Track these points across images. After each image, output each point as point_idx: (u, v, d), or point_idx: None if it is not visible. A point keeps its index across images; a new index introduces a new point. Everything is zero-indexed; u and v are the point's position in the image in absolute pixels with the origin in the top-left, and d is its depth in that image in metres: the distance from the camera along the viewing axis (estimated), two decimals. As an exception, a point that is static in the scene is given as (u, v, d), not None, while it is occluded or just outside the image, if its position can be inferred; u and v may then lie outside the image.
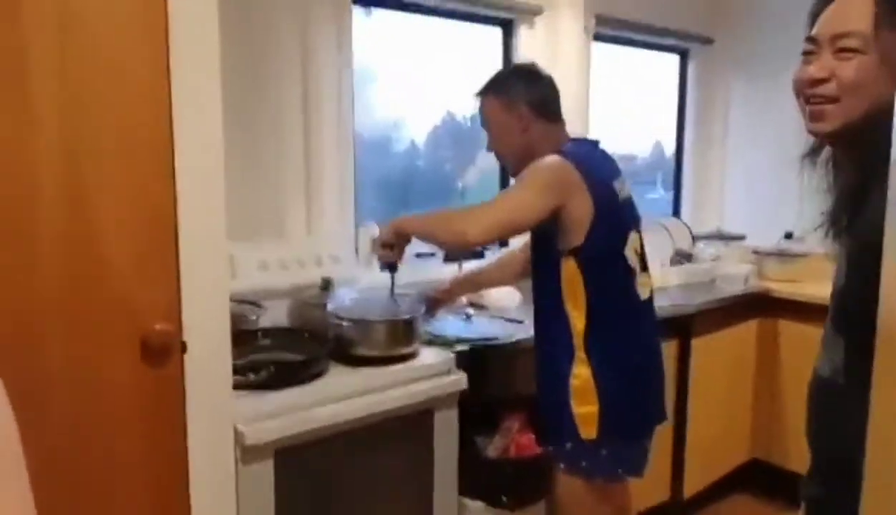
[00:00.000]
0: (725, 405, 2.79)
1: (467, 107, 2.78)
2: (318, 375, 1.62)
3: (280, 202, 2.17)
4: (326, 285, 2.02)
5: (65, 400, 1.23)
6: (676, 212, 3.54)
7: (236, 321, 1.78)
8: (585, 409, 1.59)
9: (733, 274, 2.86)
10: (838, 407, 1.00)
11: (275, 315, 1.98)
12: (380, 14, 2.48)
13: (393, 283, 1.79)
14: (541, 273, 1.66)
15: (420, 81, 2.63)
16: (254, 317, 1.84)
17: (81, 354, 1.24)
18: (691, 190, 3.55)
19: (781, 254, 3.03)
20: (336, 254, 2.17)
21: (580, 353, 1.59)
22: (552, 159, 1.57)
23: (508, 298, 2.34)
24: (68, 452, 1.24)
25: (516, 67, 1.77)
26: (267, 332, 1.80)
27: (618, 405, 1.60)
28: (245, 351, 1.71)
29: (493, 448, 2.00)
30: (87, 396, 1.26)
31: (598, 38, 2.94)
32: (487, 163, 2.85)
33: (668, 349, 2.43)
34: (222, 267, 1.40)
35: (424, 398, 1.73)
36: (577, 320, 1.59)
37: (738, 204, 3.44)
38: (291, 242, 2.13)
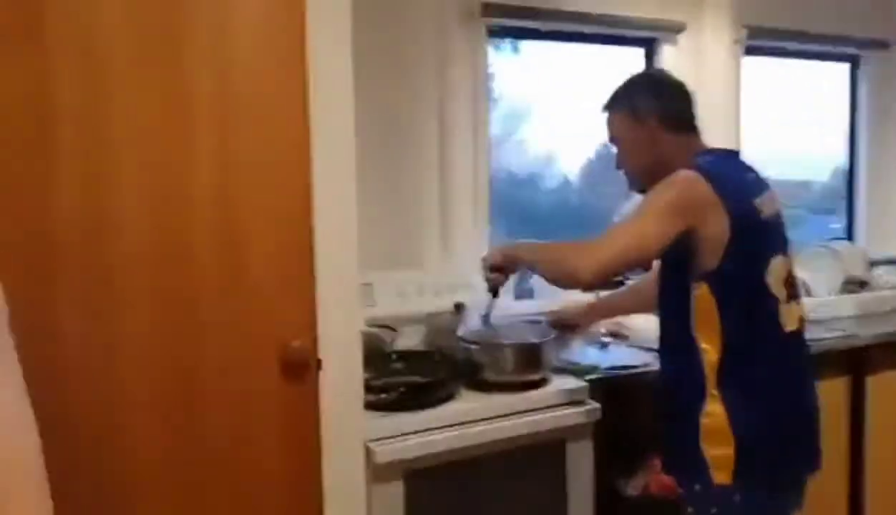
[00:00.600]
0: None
1: None
2: (447, 398, 1.64)
3: (417, 234, 2.25)
4: (458, 309, 2.05)
5: (215, 408, 1.35)
6: (850, 235, 3.19)
7: (372, 343, 1.85)
8: (719, 451, 1.44)
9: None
10: None
11: (411, 339, 2.04)
12: (528, 49, 2.52)
13: (491, 307, 1.76)
14: (669, 300, 1.54)
15: (572, 114, 2.59)
16: (388, 340, 1.91)
17: (229, 366, 1.36)
18: (867, 210, 3.18)
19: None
20: (469, 281, 2.19)
21: (712, 390, 1.44)
22: (681, 175, 1.44)
23: (649, 326, 2.22)
24: (217, 455, 1.35)
25: (644, 76, 1.66)
26: (400, 355, 1.85)
27: (757, 448, 1.44)
28: (379, 373, 1.77)
29: (632, 486, 1.89)
30: (234, 405, 1.37)
31: (752, 51, 2.76)
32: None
33: (838, 387, 2.17)
34: (354, 292, 1.47)
35: (555, 426, 1.67)
36: (710, 353, 1.44)
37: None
38: (427, 271, 2.19)
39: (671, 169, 1.48)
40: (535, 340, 1.74)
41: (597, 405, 1.72)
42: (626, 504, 1.84)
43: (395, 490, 1.52)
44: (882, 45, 3.09)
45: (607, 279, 1.44)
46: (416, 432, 1.54)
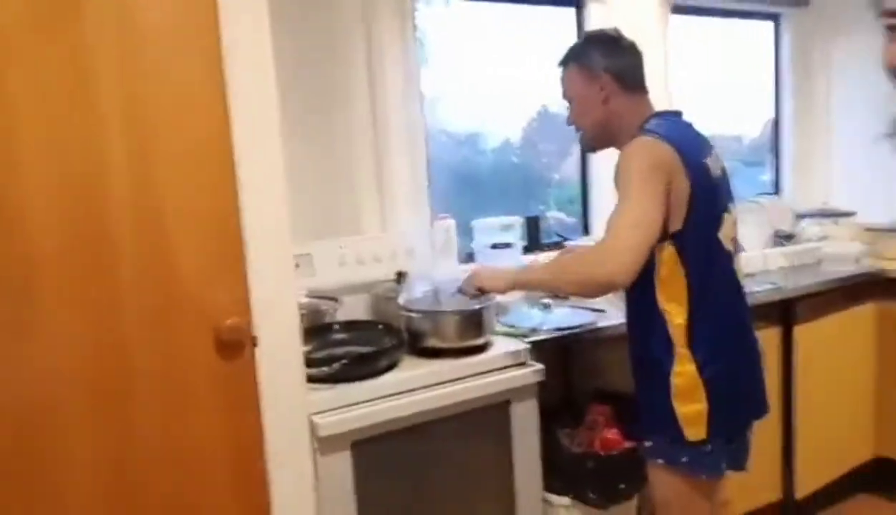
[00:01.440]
0: (842, 397, 2.55)
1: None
2: (390, 367, 1.62)
3: (355, 200, 2.20)
4: (400, 278, 2.02)
5: (148, 393, 1.29)
6: (777, 188, 3.30)
7: (312, 315, 1.81)
8: (692, 408, 1.47)
9: (842, 253, 2.61)
10: None
11: (353, 309, 2.01)
12: (460, 7, 2.46)
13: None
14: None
15: (509, 74, 2.57)
16: (330, 311, 1.87)
17: (160, 350, 1.29)
18: (792, 165, 3.29)
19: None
20: (411, 247, 2.17)
21: (681, 349, 1.47)
22: (644, 144, 1.44)
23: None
24: (153, 442, 1.30)
25: (596, 34, 1.65)
26: (342, 325, 1.82)
27: (726, 400, 1.48)
28: (320, 344, 1.74)
29: (577, 443, 1.93)
30: (169, 388, 1.31)
31: (678, 10, 2.78)
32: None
33: (769, 337, 2.26)
34: (288, 265, 1.42)
35: (499, 390, 1.68)
36: (676, 313, 1.46)
37: (847, 178, 3.15)
38: (367, 238, 2.15)
39: (622, 128, 1.53)
40: (477, 306, 1.73)
41: (540, 366, 1.74)
42: (571, 461, 1.88)
43: (342, 462, 1.50)
44: (802, 2, 3.17)
45: (638, 269, 1.37)
46: (360, 403, 1.52)
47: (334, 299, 1.94)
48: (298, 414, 1.45)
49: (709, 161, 1.50)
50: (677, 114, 1.60)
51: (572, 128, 1.67)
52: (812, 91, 3.28)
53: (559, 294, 1.80)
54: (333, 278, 2.02)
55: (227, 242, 1.35)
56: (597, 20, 2.61)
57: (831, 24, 3.17)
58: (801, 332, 2.35)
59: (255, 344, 1.37)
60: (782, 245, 2.69)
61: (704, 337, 1.47)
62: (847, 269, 2.56)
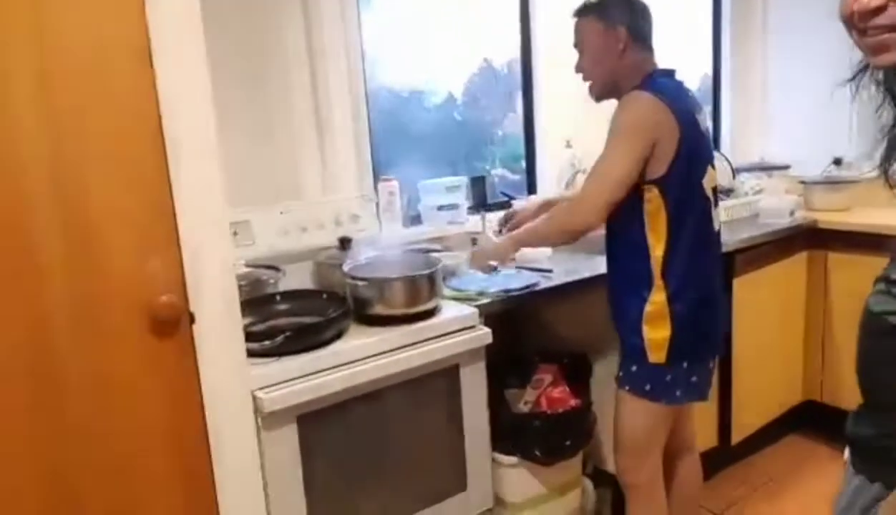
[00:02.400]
0: (776, 346, 2.66)
1: (502, 53, 2.70)
2: (336, 337, 1.58)
3: (295, 164, 2.12)
4: (344, 244, 1.97)
5: (79, 379, 1.22)
6: (716, 145, 3.36)
7: (253, 286, 1.75)
8: (657, 334, 1.64)
9: (777, 206, 2.69)
10: None
11: (298, 278, 1.95)
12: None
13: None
14: (621, 205, 1.64)
15: (452, 32, 2.52)
16: (271, 282, 1.81)
17: (91, 333, 1.22)
18: (730, 120, 3.35)
19: (829, 183, 2.85)
20: (355, 212, 2.11)
21: (658, 280, 1.63)
22: (642, 100, 1.58)
23: (538, 249, 2.25)
24: (88, 430, 1.23)
25: None
26: (285, 296, 1.76)
27: (688, 330, 1.65)
28: (262, 316, 1.69)
29: (524, 402, 1.96)
30: (102, 372, 1.24)
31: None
32: None
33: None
34: (224, 235, 1.35)
35: (448, 354, 1.67)
36: (657, 248, 1.63)
37: (783, 132, 3.23)
38: (309, 203, 2.08)
39: (627, 80, 1.66)
40: (424, 271, 1.70)
41: (487, 329, 1.73)
42: (517, 421, 1.90)
43: (289, 437, 1.47)
44: (744, -45, 3.18)
45: (609, 213, 1.62)
46: (305, 375, 1.48)
47: (276, 268, 1.88)
48: (241, 390, 1.40)
49: (699, 117, 1.67)
50: (672, 72, 1.72)
51: (580, 75, 1.77)
52: (749, 46, 3.31)
53: (546, 246, 2.06)
54: (274, 246, 1.95)
55: (157, 214, 1.27)
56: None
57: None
58: (738, 284, 2.42)
59: (192, 321, 1.31)
60: (722, 199, 2.74)
61: (676, 271, 1.63)
62: (782, 222, 2.64)
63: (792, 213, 2.67)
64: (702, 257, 1.69)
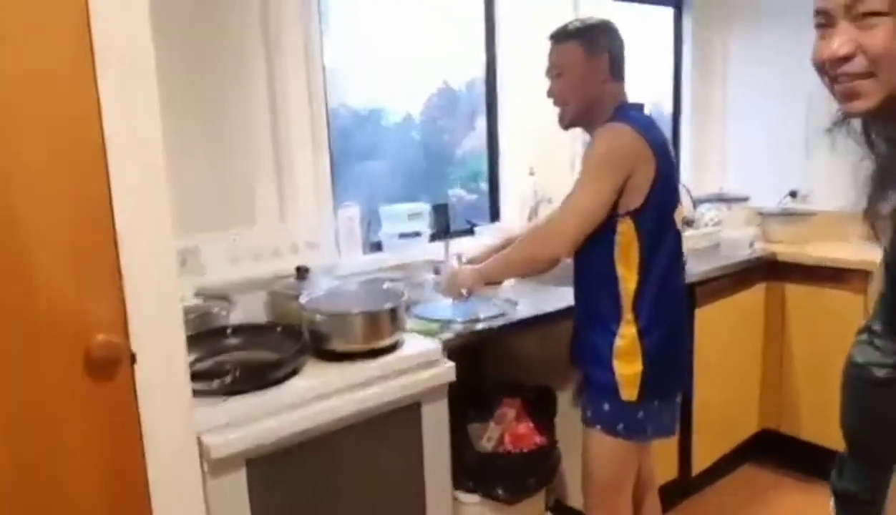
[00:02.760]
0: (733, 376, 2.66)
1: (461, 74, 2.66)
2: (290, 375, 1.49)
3: (250, 186, 2.02)
4: (302, 274, 1.88)
5: (4, 430, 1.10)
6: (675, 175, 3.38)
7: (202, 319, 1.65)
8: (629, 369, 1.60)
9: (737, 238, 2.71)
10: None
11: (249, 309, 1.85)
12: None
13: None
14: (593, 236, 1.62)
15: (411, 52, 2.47)
16: (222, 314, 1.70)
17: (16, 374, 1.10)
18: (690, 151, 3.38)
19: (787, 214, 2.89)
20: (313, 240, 2.03)
21: (628, 314, 1.61)
22: (620, 132, 1.57)
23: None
24: (12, 484, 1.11)
25: (597, 20, 1.73)
26: (236, 330, 1.66)
27: (659, 365, 1.62)
28: (210, 352, 1.58)
29: (486, 438, 1.89)
30: (28, 419, 1.12)
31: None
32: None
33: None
34: (170, 267, 1.25)
35: (410, 392, 1.60)
36: (629, 281, 1.60)
37: (741, 164, 3.27)
38: (264, 229, 1.98)
39: (601, 110, 1.64)
40: (386, 305, 1.63)
41: (451, 364, 1.67)
42: (482, 460, 1.83)
43: (237, 484, 1.37)
44: (704, -10, 3.23)
45: (577, 246, 1.62)
46: (257, 416, 1.38)
47: (226, 299, 1.77)
48: (185, 435, 1.30)
49: (671, 152, 1.66)
50: (641, 106, 1.71)
51: (552, 100, 1.73)
52: (709, 78, 3.37)
53: (512, 277, 1.96)
54: (225, 275, 1.85)
55: (96, 242, 1.17)
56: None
57: (730, 12, 3.25)
58: (699, 315, 2.41)
59: (133, 361, 1.21)
60: (683, 231, 2.75)
61: (648, 305, 1.61)
62: (741, 253, 2.66)
63: (751, 245, 2.69)
64: (672, 290, 1.67)
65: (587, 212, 1.57)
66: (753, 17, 3.18)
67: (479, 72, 2.67)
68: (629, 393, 1.61)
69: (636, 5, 3.10)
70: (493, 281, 1.82)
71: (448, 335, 1.74)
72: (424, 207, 2.40)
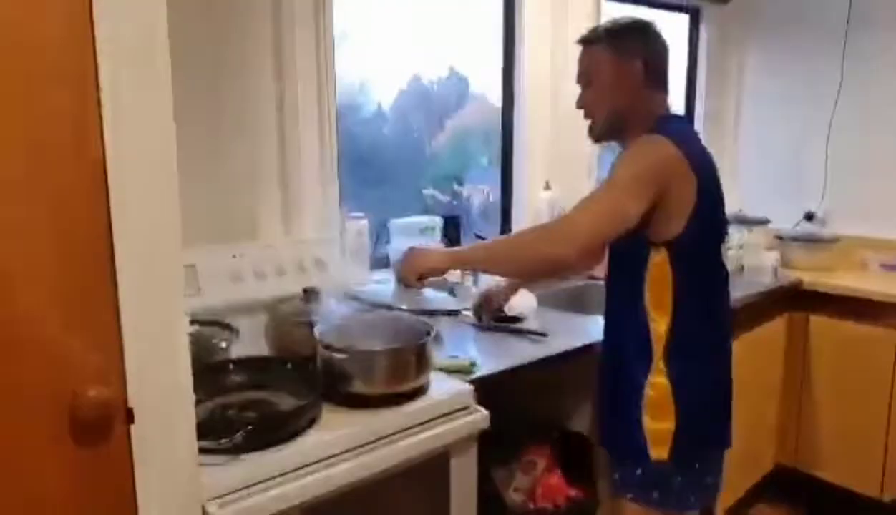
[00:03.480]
0: (752, 413, 2.52)
1: (434, 70, 2.49)
2: (308, 426, 1.28)
3: (253, 196, 1.80)
4: (310, 297, 1.66)
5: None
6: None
7: (201, 351, 1.42)
8: (659, 425, 1.40)
9: (761, 264, 2.57)
10: None
11: (251, 336, 1.62)
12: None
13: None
14: (620, 266, 1.43)
15: (386, 43, 2.27)
16: (223, 345, 1.48)
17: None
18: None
19: (810, 241, 2.76)
20: (320, 256, 1.81)
21: (659, 362, 1.39)
22: (657, 144, 1.36)
23: (524, 303, 2.01)
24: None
25: (632, 20, 1.52)
26: (239, 364, 1.43)
27: (695, 423, 1.41)
28: (211, 392, 1.35)
29: (514, 489, 1.70)
30: (3, 494, 0.90)
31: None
32: (458, 127, 2.53)
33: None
34: (177, 305, 1.04)
35: (439, 444, 1.40)
36: (659, 323, 1.39)
37: (754, 181, 3.15)
38: (268, 245, 1.76)
39: (636, 123, 1.43)
40: (415, 341, 1.42)
41: (484, 412, 1.47)
42: (511, 513, 1.65)
43: (246, 557, 1.16)
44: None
45: (590, 257, 1.39)
46: (271, 481, 1.17)
47: (228, 326, 1.55)
48: (190, 504, 1.08)
49: (717, 171, 1.45)
50: (684, 117, 1.50)
51: (581, 111, 1.53)
52: (726, 92, 3.23)
53: (497, 272, 1.59)
54: (224, 295, 1.63)
55: (89, 274, 0.94)
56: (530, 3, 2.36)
57: (750, 23, 3.12)
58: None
59: (130, 421, 0.99)
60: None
61: (683, 352, 1.39)
62: (765, 280, 2.52)
63: (775, 272, 2.55)
64: (714, 337, 1.47)
65: (607, 213, 1.33)
66: (772, 30, 3.06)
67: (451, 67, 2.51)
68: (658, 450, 1.40)
69: (652, 10, 2.94)
70: (467, 269, 1.60)
71: (476, 375, 1.55)
72: (437, 221, 2.21)
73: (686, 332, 1.39)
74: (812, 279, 2.57)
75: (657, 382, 1.39)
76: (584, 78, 1.51)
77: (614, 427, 1.45)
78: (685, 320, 1.38)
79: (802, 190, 2.97)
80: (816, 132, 2.87)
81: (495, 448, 1.79)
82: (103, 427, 0.96)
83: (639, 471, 1.43)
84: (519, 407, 2.03)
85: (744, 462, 2.52)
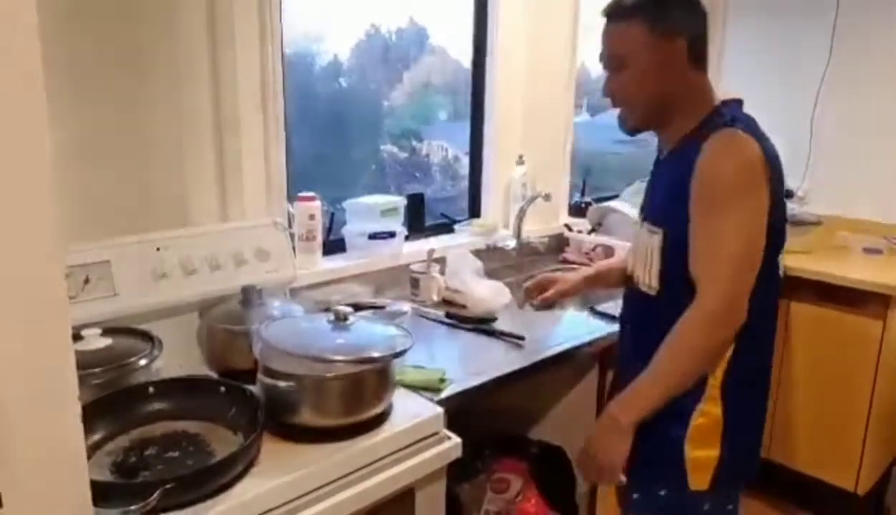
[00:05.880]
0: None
1: (393, 20, 2.24)
2: (244, 472, 1.05)
3: (181, 176, 1.53)
4: (250, 297, 1.41)
5: None
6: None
7: (114, 371, 1.17)
8: (703, 453, 1.23)
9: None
10: None
11: (178, 344, 1.36)
12: None
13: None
14: (675, 284, 1.22)
15: None
16: (143, 362, 1.22)
17: None
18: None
19: (791, 223, 2.61)
20: (262, 245, 1.55)
21: (714, 390, 1.21)
22: (744, 143, 1.15)
23: (493, 297, 1.81)
24: None
25: None
26: (164, 387, 1.18)
27: (742, 455, 1.27)
28: (125, 425, 1.11)
29: (483, 510, 1.52)
30: None
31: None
32: (416, 81, 2.28)
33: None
34: (62, 349, 0.78)
35: (403, 482, 1.19)
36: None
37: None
38: (199, 234, 1.49)
39: (684, 109, 1.22)
40: (377, 357, 1.19)
41: (456, 440, 1.26)
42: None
43: None
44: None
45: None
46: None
47: (148, 336, 1.29)
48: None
49: (784, 173, 1.25)
50: (741, 102, 1.27)
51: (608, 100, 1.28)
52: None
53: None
54: (145, 298, 1.37)
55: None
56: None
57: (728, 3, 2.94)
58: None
59: (-5, 505, 0.74)
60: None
61: (744, 381, 1.23)
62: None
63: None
64: (770, 358, 1.32)
65: (748, 254, 1.15)
66: (757, 6, 2.87)
67: (409, 19, 2.27)
68: (699, 479, 1.23)
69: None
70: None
71: (450, 390, 1.34)
72: (400, 201, 1.97)
73: (746, 356, 1.22)
74: (792, 263, 2.42)
75: (709, 410, 1.22)
76: (615, 61, 1.24)
77: (644, 449, 1.24)
78: (746, 343, 1.20)
79: (786, 169, 2.82)
80: (801, 110, 2.73)
81: (460, 459, 1.60)
82: (-46, 519, 0.71)
83: (663, 493, 1.27)
84: (488, 413, 1.84)
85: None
